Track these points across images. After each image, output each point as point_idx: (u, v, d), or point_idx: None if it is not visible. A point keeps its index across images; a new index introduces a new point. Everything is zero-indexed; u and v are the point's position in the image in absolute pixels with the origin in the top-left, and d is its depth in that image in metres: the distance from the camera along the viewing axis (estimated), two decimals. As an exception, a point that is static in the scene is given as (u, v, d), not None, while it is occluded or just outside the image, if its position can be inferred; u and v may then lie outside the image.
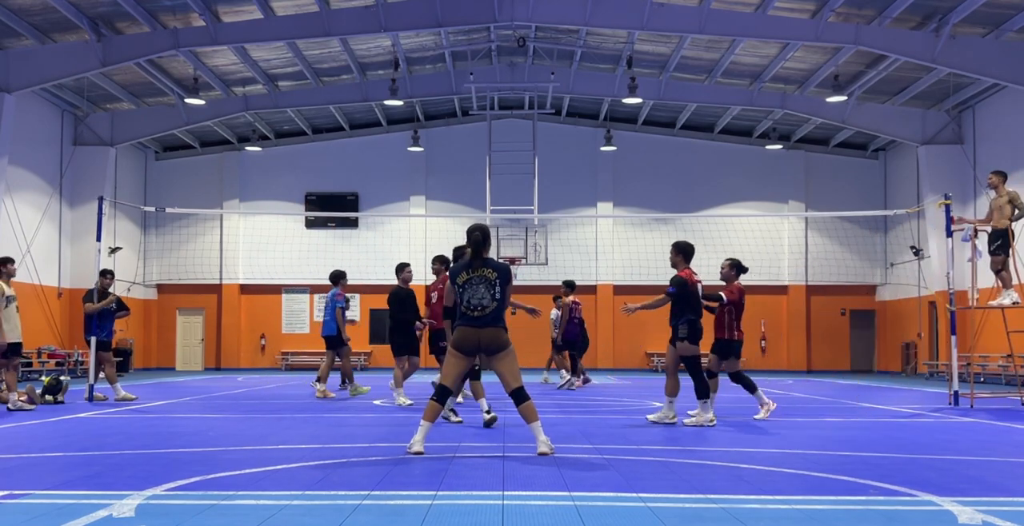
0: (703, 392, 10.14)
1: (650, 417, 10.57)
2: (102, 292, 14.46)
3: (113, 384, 14.41)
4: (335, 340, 15.10)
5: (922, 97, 26.59)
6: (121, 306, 14.85)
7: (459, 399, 12.49)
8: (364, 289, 31.25)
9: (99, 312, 14.36)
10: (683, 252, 10.27)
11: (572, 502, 5.19)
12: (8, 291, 12.19)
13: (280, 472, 6.35)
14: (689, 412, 10.80)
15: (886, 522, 4.69)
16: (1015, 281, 13.72)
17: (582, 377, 18.60)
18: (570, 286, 18.77)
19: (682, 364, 10.20)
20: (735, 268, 10.91)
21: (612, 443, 8.23)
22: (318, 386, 15.14)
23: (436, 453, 7.36)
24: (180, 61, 24.14)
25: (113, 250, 27.35)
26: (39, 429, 9.70)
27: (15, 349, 12.35)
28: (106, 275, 14.69)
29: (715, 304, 10.73)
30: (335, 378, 17.73)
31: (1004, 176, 13.85)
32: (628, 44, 24.66)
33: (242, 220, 32.81)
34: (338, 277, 15.38)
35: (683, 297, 10.07)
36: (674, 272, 10.27)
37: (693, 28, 22.05)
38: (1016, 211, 13.27)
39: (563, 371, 18.75)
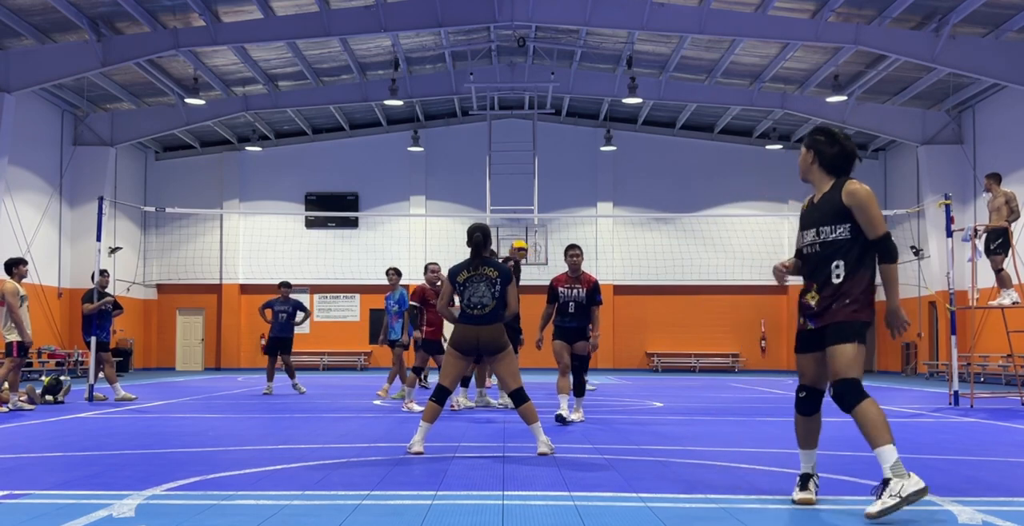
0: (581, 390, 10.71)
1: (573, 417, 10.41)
2: (100, 292, 14.50)
3: (113, 384, 14.43)
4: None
5: (922, 97, 26.58)
6: (116, 305, 14.89)
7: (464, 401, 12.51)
8: (363, 289, 31.48)
9: (97, 312, 14.40)
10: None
11: (572, 502, 5.19)
12: (22, 291, 12.33)
13: (280, 472, 6.35)
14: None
15: (886, 522, 4.69)
16: (1015, 281, 13.75)
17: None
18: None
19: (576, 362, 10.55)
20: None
21: (612, 443, 8.23)
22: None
23: (436, 453, 7.35)
24: (180, 61, 24.14)
25: (113, 250, 27.35)
26: (39, 429, 9.70)
27: (25, 349, 12.44)
28: (104, 274, 14.75)
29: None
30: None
31: (998, 178, 14.11)
32: (628, 44, 24.66)
33: (242, 220, 32.80)
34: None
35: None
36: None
37: (693, 28, 22.05)
38: (1011, 213, 13.49)
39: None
